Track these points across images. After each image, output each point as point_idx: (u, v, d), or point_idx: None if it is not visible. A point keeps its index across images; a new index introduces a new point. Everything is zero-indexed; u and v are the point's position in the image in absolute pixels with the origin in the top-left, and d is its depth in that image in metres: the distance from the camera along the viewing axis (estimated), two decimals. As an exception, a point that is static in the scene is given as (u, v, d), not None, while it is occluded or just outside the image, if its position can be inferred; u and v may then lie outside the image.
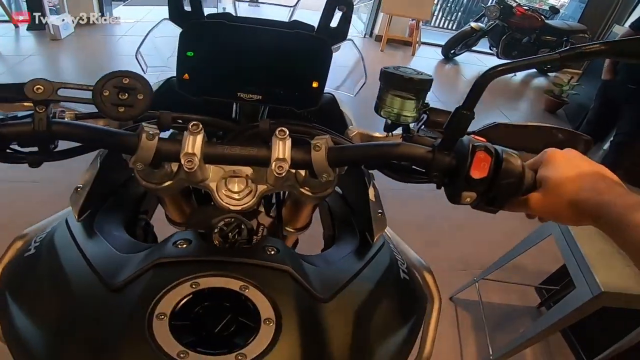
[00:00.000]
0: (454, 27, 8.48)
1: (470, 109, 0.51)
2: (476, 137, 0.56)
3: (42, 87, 0.48)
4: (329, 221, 0.88)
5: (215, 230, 0.57)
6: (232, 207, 0.59)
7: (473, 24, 5.69)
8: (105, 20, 5.17)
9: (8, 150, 0.52)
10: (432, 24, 8.10)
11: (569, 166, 0.50)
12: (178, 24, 0.66)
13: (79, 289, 0.53)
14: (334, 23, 0.68)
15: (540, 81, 6.08)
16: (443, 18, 8.61)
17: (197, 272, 0.52)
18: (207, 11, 0.65)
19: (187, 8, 0.64)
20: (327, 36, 0.65)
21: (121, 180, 0.83)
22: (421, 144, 0.56)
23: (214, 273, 0.52)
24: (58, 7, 4.92)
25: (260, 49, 0.62)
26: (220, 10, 0.84)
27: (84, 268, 0.56)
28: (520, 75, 5.98)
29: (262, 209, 0.82)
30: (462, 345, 1.91)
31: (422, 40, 6.17)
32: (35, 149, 0.52)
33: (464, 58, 6.01)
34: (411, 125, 0.67)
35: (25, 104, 0.62)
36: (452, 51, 5.84)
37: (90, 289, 0.53)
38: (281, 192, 0.93)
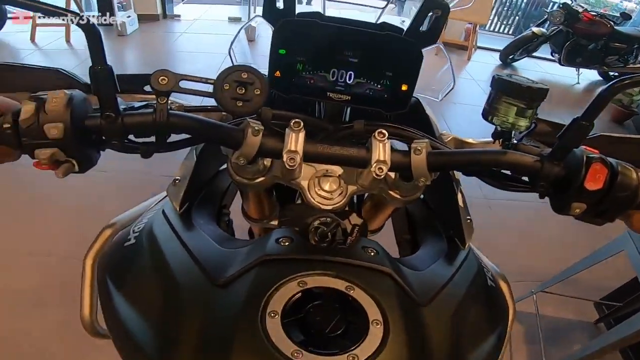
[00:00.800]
0: (510, 32, 8.21)
1: (591, 121, 0.49)
2: (588, 148, 0.53)
3: (166, 78, 0.49)
4: (405, 225, 0.87)
5: (312, 229, 0.57)
6: (323, 206, 0.59)
7: (535, 29, 5.41)
8: (166, 17, 5.41)
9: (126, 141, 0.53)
10: (488, 28, 7.86)
11: None
12: (270, 22, 0.67)
13: (185, 283, 0.54)
14: (424, 26, 0.68)
15: (605, 89, 5.77)
16: (499, 22, 8.35)
17: (303, 271, 0.52)
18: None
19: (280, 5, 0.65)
20: (417, 39, 0.65)
21: (211, 174, 0.84)
22: (527, 152, 0.55)
23: (320, 272, 0.52)
24: (124, 3, 5.18)
25: (351, 49, 0.62)
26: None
27: (188, 261, 0.56)
28: (583, 82, 5.67)
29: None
30: (513, 358, 1.84)
31: (478, 44, 5.99)
32: (148, 139, 0.53)
33: (522, 64, 5.77)
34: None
35: (138, 95, 0.65)
36: (510, 57, 5.61)
37: (196, 283, 0.53)
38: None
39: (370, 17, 0.77)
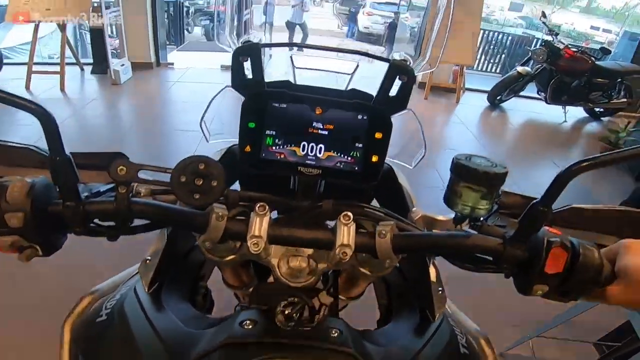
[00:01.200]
0: (498, 70, 8.43)
1: (549, 205, 0.49)
2: (551, 229, 0.53)
3: (125, 169, 0.50)
4: (384, 291, 0.87)
5: (278, 310, 0.57)
6: (292, 284, 0.60)
7: (519, 69, 5.54)
8: (159, 65, 5.54)
9: (90, 225, 0.54)
10: (476, 68, 8.06)
11: None
12: (240, 92, 0.67)
13: None
14: (393, 91, 0.68)
15: (592, 126, 5.85)
16: (487, 61, 8.58)
17: (264, 355, 0.52)
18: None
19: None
20: (386, 106, 0.65)
21: (185, 250, 0.85)
22: (491, 234, 0.55)
23: (282, 356, 0.53)
24: (119, 51, 5.31)
25: (320, 121, 0.63)
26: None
27: (155, 343, 0.57)
28: (570, 120, 5.76)
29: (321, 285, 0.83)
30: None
31: (467, 86, 6.12)
32: (114, 223, 0.54)
33: (510, 104, 5.87)
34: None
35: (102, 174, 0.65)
36: (498, 97, 5.70)
37: None
38: None
39: (344, 79, 0.78)
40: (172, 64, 5.72)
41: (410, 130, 0.79)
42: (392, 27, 9.06)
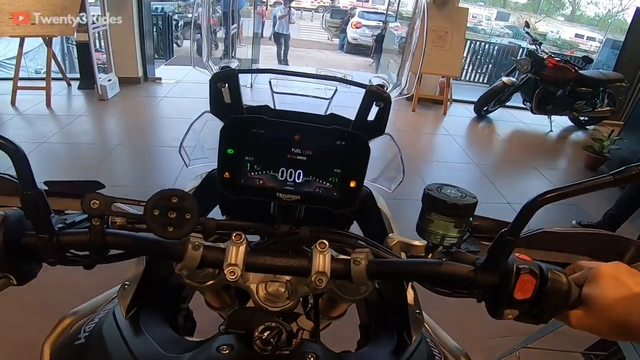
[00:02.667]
0: (485, 81, 8.53)
1: (516, 235, 0.51)
2: (520, 255, 0.55)
3: (97, 202, 0.50)
4: (364, 311, 0.88)
5: (256, 334, 0.57)
6: (271, 308, 0.61)
7: (505, 79, 5.62)
8: (147, 80, 5.53)
9: (66, 254, 0.54)
10: (463, 79, 8.16)
11: (617, 285, 0.49)
12: (218, 117, 0.69)
13: None
14: (371, 116, 0.69)
15: (578, 135, 5.92)
16: (474, 72, 8.68)
17: None
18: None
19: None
20: (365, 131, 0.66)
21: (164, 274, 0.85)
22: (463, 261, 0.57)
23: None
24: (105, 65, 5.30)
25: (298, 147, 0.64)
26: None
27: None
28: (556, 129, 5.83)
29: (300, 310, 0.83)
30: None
31: (454, 97, 6.16)
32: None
33: (497, 115, 5.94)
34: None
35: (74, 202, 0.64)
36: (484, 108, 5.76)
37: None
38: None
39: (324, 103, 0.82)
40: (160, 78, 5.70)
41: (389, 155, 0.80)
42: (380, 38, 9.15)
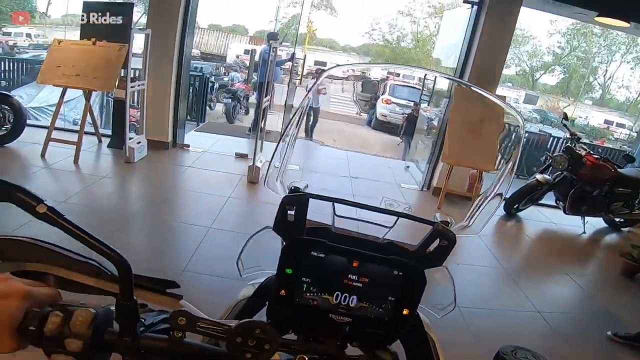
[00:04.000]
0: (519, 172, 8.33)
1: None
2: None
3: (184, 320, 0.54)
4: None
5: None
6: None
7: (539, 177, 5.34)
8: (175, 146, 5.58)
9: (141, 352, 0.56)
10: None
11: None
12: (280, 235, 0.71)
13: None
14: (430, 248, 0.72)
15: (612, 238, 5.54)
16: (502, 159, 8.50)
17: None
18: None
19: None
20: (423, 261, 0.69)
21: None
22: None
23: None
24: (138, 126, 5.39)
25: (356, 274, 0.66)
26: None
27: None
28: (589, 230, 5.47)
29: None
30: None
31: (482, 190, 5.88)
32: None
33: (527, 213, 5.60)
34: None
35: (155, 297, 0.65)
36: (515, 206, 5.45)
37: None
38: None
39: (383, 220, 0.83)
40: (188, 145, 5.72)
41: (438, 279, 0.79)
42: (411, 119, 9.14)
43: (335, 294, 0.66)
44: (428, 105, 8.34)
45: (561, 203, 5.42)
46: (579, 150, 5.23)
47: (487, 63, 5.28)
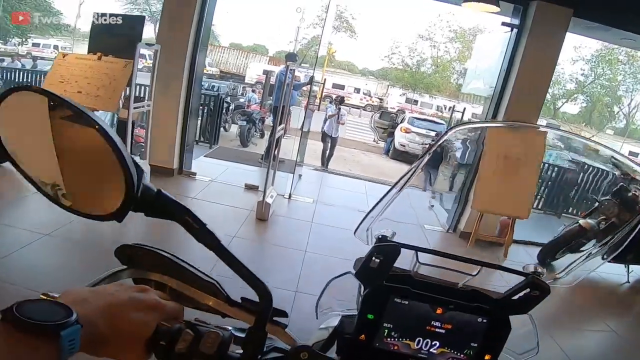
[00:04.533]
0: (540, 206, 7.67)
1: None
2: None
3: (307, 354, 0.59)
4: None
5: None
6: None
7: (582, 222, 4.64)
8: (181, 173, 5.15)
9: None
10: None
11: None
12: (362, 281, 0.72)
13: None
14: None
15: (657, 288, 4.92)
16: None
17: None
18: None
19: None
20: (509, 308, 0.71)
21: None
22: None
23: None
24: (142, 150, 4.96)
25: (439, 321, 0.68)
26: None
27: None
28: (632, 278, 4.88)
29: None
30: None
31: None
32: None
33: (561, 261, 4.88)
34: None
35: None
36: (552, 255, 4.81)
37: None
38: None
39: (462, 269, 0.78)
40: (195, 173, 5.26)
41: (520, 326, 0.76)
42: (437, 152, 8.39)
43: (417, 340, 0.67)
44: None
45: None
46: (634, 192, 4.61)
47: (528, 91, 4.77)
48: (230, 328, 0.56)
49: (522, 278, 0.71)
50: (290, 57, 7.43)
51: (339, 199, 5.74)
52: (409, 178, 0.88)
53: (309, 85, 7.69)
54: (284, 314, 0.63)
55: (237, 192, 5.15)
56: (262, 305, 0.55)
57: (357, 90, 25.51)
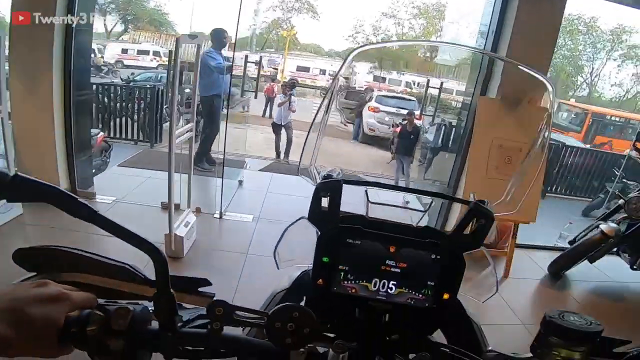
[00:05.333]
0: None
1: None
2: None
3: (222, 310, 0.56)
4: None
5: None
6: None
7: (604, 227, 3.62)
8: (76, 194, 3.78)
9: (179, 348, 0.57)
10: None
11: None
12: (315, 224, 0.71)
13: None
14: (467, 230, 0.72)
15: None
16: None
17: None
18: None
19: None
20: (461, 244, 0.69)
21: None
22: None
23: None
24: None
25: (394, 259, 0.67)
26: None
27: None
28: None
29: None
30: None
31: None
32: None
33: (575, 268, 3.94)
34: None
35: (190, 297, 0.66)
36: (568, 268, 3.87)
37: None
38: None
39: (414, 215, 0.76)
40: (94, 194, 3.86)
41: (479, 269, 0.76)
42: (405, 134, 7.02)
43: (373, 281, 0.67)
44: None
45: (628, 256, 3.86)
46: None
47: (525, 58, 3.63)
48: (145, 303, 0.55)
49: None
50: (217, 34, 5.19)
51: (289, 211, 4.29)
52: (325, 111, 0.85)
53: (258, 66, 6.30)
54: (207, 282, 0.64)
55: (149, 216, 3.74)
56: (156, 267, 0.53)
57: (323, 72, 24.30)
